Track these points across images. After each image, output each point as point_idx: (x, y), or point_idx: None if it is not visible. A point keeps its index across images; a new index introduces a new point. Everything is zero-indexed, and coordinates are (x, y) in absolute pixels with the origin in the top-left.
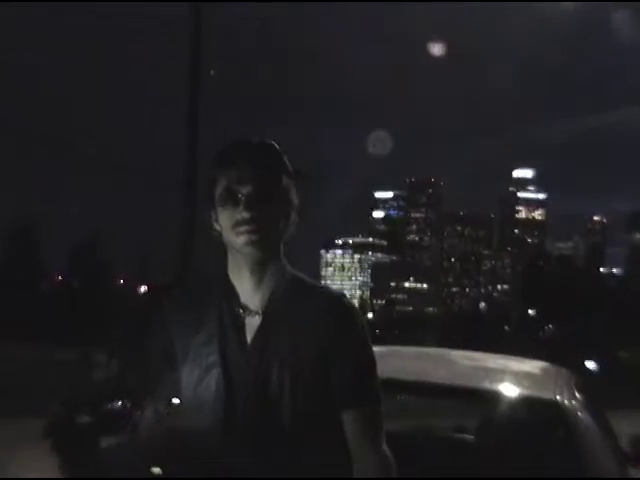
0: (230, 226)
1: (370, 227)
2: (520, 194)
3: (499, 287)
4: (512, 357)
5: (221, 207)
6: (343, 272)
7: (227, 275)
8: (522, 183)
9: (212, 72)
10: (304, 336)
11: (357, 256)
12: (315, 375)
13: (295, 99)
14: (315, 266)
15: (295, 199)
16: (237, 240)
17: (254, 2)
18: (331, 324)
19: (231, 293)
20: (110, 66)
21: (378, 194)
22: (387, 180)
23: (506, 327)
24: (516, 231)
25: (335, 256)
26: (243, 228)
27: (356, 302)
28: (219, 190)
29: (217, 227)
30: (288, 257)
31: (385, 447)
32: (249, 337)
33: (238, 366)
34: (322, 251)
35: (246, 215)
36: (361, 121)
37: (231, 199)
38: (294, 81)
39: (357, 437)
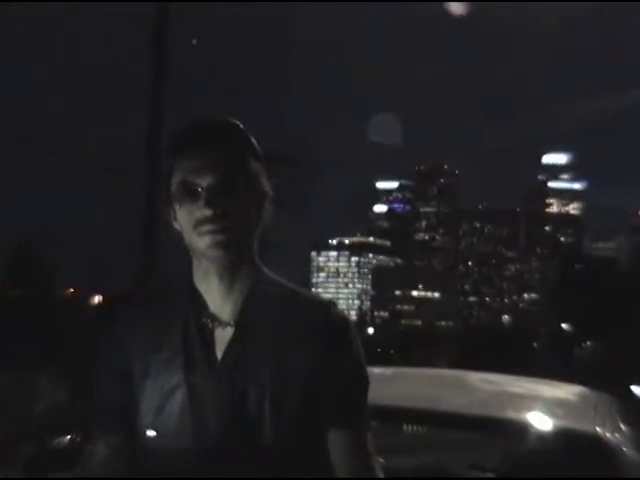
0: (191, 226)
1: (371, 224)
2: (551, 184)
3: (526, 296)
4: (542, 380)
5: (178, 204)
6: (338, 278)
7: (193, 281)
8: (554, 170)
9: (194, 42)
10: (284, 349)
11: (355, 259)
12: (299, 394)
13: (288, 80)
14: (304, 271)
15: (267, 185)
16: (200, 242)
17: None
18: (316, 337)
19: (198, 302)
20: (68, 44)
21: (380, 184)
22: (391, 168)
23: (535, 344)
24: (547, 228)
25: (328, 259)
26: (206, 228)
27: (354, 314)
28: (174, 184)
29: (177, 226)
30: (271, 261)
31: (379, 473)
32: (219, 353)
33: (207, 387)
34: (312, 253)
35: (208, 212)
36: (362, 102)
37: (189, 194)
38: (287, 60)
39: (345, 458)
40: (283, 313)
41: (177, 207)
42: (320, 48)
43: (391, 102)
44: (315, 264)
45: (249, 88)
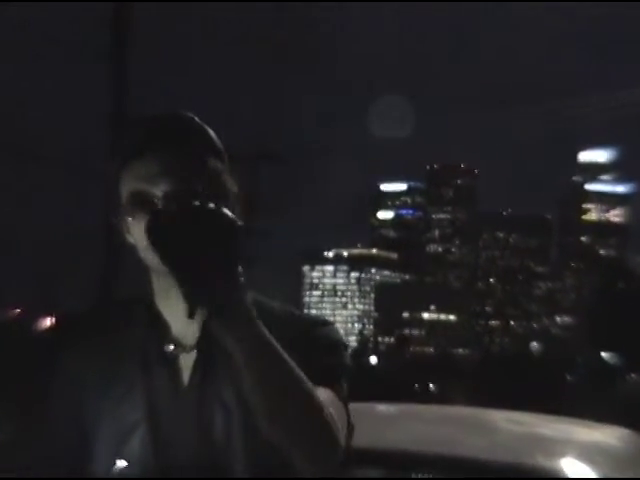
0: (147, 240)
1: (374, 233)
2: (590, 186)
3: (559, 319)
4: (578, 421)
5: (131, 216)
6: (335, 297)
7: (153, 302)
8: (593, 170)
9: None
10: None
11: (355, 274)
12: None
13: (282, 67)
14: (295, 289)
15: (231, 184)
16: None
17: None
18: (294, 355)
19: (158, 325)
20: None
21: (385, 186)
22: (398, 167)
23: (570, 377)
24: (584, 239)
25: (324, 275)
26: None
27: (353, 340)
28: (125, 194)
29: (131, 240)
30: (255, 277)
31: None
32: (185, 381)
33: (171, 420)
34: (305, 268)
35: None
36: (365, 92)
37: (143, 206)
38: (275, 36)
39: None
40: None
41: (130, 220)
42: (320, 30)
43: (400, 91)
44: (307, 280)
45: (237, 81)
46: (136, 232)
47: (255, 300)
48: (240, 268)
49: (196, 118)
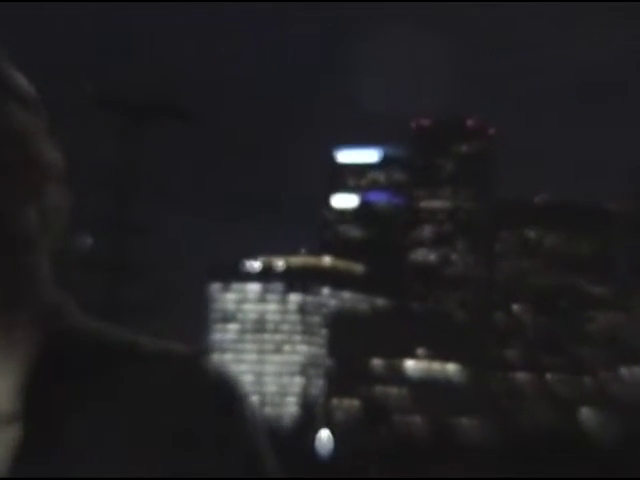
0: None
1: (327, 231)
2: None
3: (626, 372)
4: None
5: None
6: (263, 334)
7: None
8: None
9: None
10: (114, 444)
11: (295, 298)
12: None
13: None
14: (197, 320)
15: (50, 152)
16: None
17: None
18: (172, 420)
19: None
20: None
21: (346, 155)
22: (367, 125)
23: None
24: None
25: (245, 297)
26: None
27: (293, 403)
28: None
29: None
30: (138, 302)
31: None
32: (2, 469)
33: None
34: (214, 287)
35: None
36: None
37: None
38: None
39: None
40: (109, 381)
41: None
42: None
43: (373, 17)
44: (218, 306)
45: None
46: None
47: (87, 326)
48: None
49: None
